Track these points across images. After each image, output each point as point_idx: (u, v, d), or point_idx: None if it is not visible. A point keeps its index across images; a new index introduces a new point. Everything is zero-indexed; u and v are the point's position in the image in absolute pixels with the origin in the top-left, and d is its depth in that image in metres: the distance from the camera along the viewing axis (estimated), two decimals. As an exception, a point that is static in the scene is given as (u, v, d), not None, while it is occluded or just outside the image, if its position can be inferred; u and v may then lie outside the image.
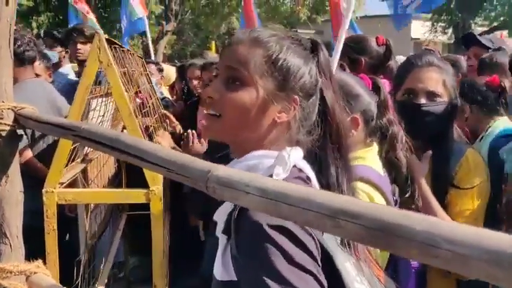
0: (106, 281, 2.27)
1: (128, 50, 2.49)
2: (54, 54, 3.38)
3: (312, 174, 0.93)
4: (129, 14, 5.97)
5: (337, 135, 0.97)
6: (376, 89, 1.41)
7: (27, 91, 2.46)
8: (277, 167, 0.87)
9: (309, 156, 0.96)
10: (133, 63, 2.46)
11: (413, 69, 1.66)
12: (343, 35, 2.63)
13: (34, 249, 1.48)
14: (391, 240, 0.51)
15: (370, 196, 1.31)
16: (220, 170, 0.71)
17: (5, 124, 1.24)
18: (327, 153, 0.96)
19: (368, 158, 1.35)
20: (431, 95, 1.61)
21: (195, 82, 3.84)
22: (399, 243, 0.50)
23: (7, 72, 1.24)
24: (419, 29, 22.74)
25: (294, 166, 0.89)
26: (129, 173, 2.90)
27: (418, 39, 22.84)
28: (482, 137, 2.09)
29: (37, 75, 2.79)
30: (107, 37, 1.60)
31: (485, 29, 19.65)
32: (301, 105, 0.94)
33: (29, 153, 2.40)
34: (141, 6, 5.85)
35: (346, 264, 0.88)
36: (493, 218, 1.68)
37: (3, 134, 1.24)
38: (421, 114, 1.59)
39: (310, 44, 0.99)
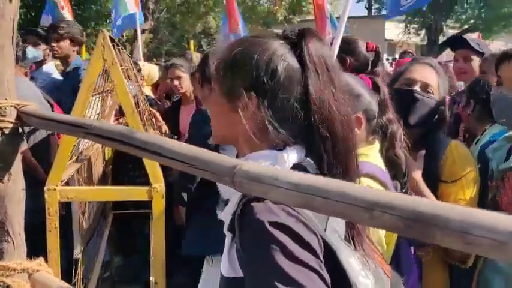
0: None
1: (121, 48, 2.48)
2: (39, 52, 3.33)
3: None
4: (120, 9, 5.84)
5: (328, 129, 0.91)
6: (375, 88, 1.46)
7: (20, 89, 2.43)
8: (277, 166, 0.88)
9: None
10: (125, 62, 2.45)
11: (413, 63, 1.78)
12: (339, 38, 2.66)
13: (33, 247, 1.47)
14: (427, 229, 0.55)
15: None
16: (248, 165, 0.73)
17: (8, 121, 1.24)
18: (315, 147, 0.92)
19: (370, 155, 1.39)
20: (426, 88, 1.70)
21: (176, 82, 3.83)
22: (434, 232, 0.54)
23: (10, 70, 1.24)
24: (393, 30, 23.16)
25: (297, 164, 0.90)
26: (115, 172, 2.89)
27: (392, 40, 23.25)
28: (478, 140, 2.16)
29: None
30: (109, 35, 1.60)
31: (457, 31, 20.15)
32: (262, 102, 0.92)
33: (27, 151, 2.35)
34: (133, 1, 5.70)
35: (350, 259, 0.89)
36: None
37: (6, 131, 1.23)
38: (414, 100, 1.68)
39: (296, 35, 0.96)
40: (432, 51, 19.19)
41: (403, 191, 1.52)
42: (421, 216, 0.55)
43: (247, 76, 0.93)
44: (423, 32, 23.50)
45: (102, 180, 2.73)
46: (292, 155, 0.91)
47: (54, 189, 1.56)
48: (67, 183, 1.70)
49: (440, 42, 21.72)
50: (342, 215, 0.62)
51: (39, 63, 3.48)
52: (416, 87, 1.70)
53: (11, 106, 1.24)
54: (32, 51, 3.36)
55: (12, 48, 1.25)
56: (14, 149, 1.26)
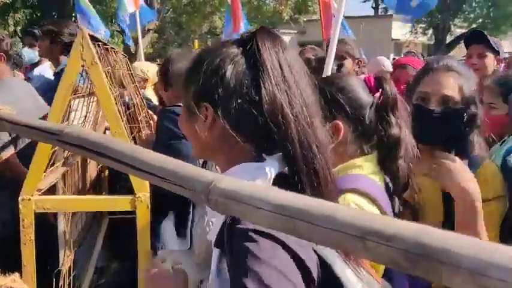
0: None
1: (112, 48, 2.39)
2: (35, 53, 3.25)
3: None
4: (120, 10, 5.72)
5: (284, 132, 0.83)
6: (377, 88, 1.32)
7: (14, 89, 2.36)
8: (259, 180, 0.82)
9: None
10: (118, 62, 2.36)
11: (429, 72, 1.57)
12: (335, 39, 2.57)
13: (10, 261, 1.39)
14: (432, 266, 0.45)
15: (362, 208, 1.16)
16: (226, 181, 0.63)
17: (-22, 126, 1.14)
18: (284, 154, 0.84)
19: (365, 167, 1.23)
20: (444, 100, 1.51)
21: None
22: (441, 270, 0.44)
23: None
24: (400, 30, 22.99)
25: (280, 174, 0.84)
26: (112, 178, 2.79)
27: (399, 40, 23.08)
28: (504, 141, 1.99)
29: None
30: (90, 33, 1.50)
31: (464, 30, 19.94)
32: (216, 111, 0.87)
33: (13, 156, 2.25)
34: (132, 0, 5.55)
35: (346, 271, 0.85)
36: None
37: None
38: (431, 120, 1.50)
39: (249, 37, 0.89)
40: (439, 50, 19.04)
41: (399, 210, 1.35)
42: (425, 250, 0.45)
43: (198, 85, 0.90)
44: (430, 31, 23.32)
45: (97, 187, 2.63)
46: (273, 165, 0.83)
47: (29, 199, 1.46)
48: (49, 191, 1.61)
49: (448, 41, 21.56)
50: (330, 244, 0.52)
51: (35, 64, 3.40)
52: (433, 104, 1.51)
53: (-17, 110, 1.15)
54: (28, 53, 3.29)
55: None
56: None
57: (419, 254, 0.45)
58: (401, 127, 1.27)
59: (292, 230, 0.55)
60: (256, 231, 0.75)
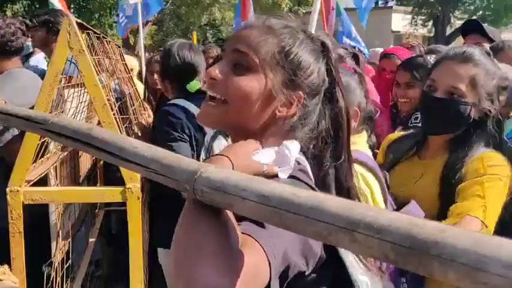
0: (82, 280, 2.16)
1: (104, 37, 2.35)
2: (29, 44, 3.20)
3: (308, 168, 0.90)
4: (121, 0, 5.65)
5: (344, 135, 0.94)
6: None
7: (21, 81, 2.30)
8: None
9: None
10: (110, 52, 2.32)
11: (441, 61, 1.53)
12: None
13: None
14: (424, 260, 0.42)
15: (364, 177, 1.31)
16: (211, 171, 0.61)
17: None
18: (327, 154, 0.93)
19: (358, 143, 1.38)
20: (449, 91, 1.47)
21: (156, 76, 3.69)
22: (434, 264, 0.41)
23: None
24: (400, 22, 22.92)
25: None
26: (107, 168, 2.76)
27: (399, 32, 23.00)
28: None
29: None
30: (78, 21, 1.46)
31: (465, 22, 19.84)
32: (304, 103, 0.90)
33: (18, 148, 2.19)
34: None
35: (349, 257, 0.88)
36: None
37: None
38: (433, 108, 1.49)
39: (320, 43, 0.95)
40: (439, 43, 18.95)
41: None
42: (417, 243, 0.42)
43: (307, 75, 0.90)
44: (430, 23, 23.22)
45: (91, 178, 2.60)
46: (293, 148, 0.87)
47: (17, 191, 1.43)
48: (41, 183, 1.58)
49: (448, 33, 21.47)
50: (317, 236, 0.49)
51: (28, 55, 3.35)
52: (439, 93, 1.49)
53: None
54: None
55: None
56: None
57: (409, 247, 0.42)
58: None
59: (278, 221, 0.53)
60: None
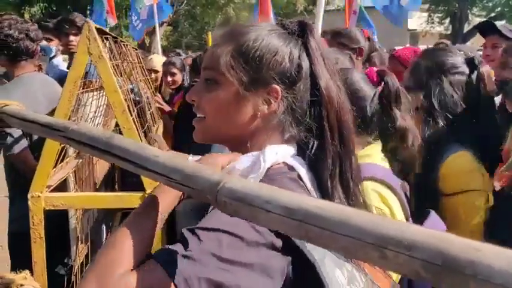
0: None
1: (122, 41, 2.36)
2: (52, 48, 3.23)
3: (304, 173, 0.87)
4: (136, 2, 5.71)
5: (335, 122, 0.88)
6: (380, 82, 1.33)
7: (30, 86, 2.31)
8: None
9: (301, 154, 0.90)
10: (128, 56, 2.32)
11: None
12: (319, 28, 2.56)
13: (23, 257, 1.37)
14: (458, 279, 0.40)
15: (381, 196, 1.24)
16: (234, 182, 0.60)
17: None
18: (324, 144, 0.88)
19: (373, 155, 1.30)
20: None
21: (169, 78, 3.71)
22: (470, 284, 0.40)
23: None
24: (416, 20, 22.66)
25: (284, 163, 0.86)
26: (124, 173, 2.78)
27: (415, 30, 22.77)
28: None
29: None
30: (97, 26, 1.47)
31: (483, 19, 19.56)
32: (284, 95, 0.88)
33: (29, 156, 2.21)
34: None
35: (336, 272, 0.81)
36: None
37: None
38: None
39: (298, 26, 0.93)
40: (457, 41, 18.71)
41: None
42: (450, 261, 0.41)
43: (273, 66, 0.88)
44: (447, 20, 22.93)
45: (108, 183, 2.61)
46: (282, 151, 0.87)
47: (39, 196, 1.44)
48: (60, 187, 1.59)
49: (465, 31, 21.18)
50: (344, 251, 0.48)
51: (51, 59, 3.37)
52: None
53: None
54: (47, 47, 3.27)
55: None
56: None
57: (442, 265, 0.41)
58: (406, 118, 1.33)
59: (305, 235, 0.52)
60: None
